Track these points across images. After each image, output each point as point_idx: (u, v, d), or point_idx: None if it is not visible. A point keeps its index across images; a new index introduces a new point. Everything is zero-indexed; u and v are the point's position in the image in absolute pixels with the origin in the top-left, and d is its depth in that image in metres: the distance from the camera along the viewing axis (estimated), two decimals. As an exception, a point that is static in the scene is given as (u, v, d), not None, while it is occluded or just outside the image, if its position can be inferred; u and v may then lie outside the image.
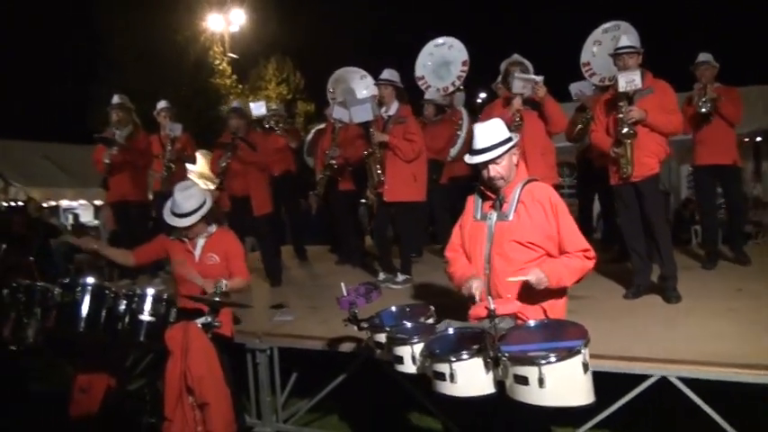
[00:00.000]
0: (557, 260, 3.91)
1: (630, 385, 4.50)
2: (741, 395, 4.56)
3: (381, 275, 7.51)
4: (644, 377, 4.44)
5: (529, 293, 3.90)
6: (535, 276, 3.75)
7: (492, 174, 4.00)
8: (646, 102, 5.96)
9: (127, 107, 8.76)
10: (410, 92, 8.76)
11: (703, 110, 7.21)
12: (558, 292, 4.03)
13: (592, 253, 3.91)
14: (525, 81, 6.51)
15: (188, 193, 5.16)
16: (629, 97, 5.95)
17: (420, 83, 9.47)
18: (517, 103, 6.54)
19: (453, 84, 9.30)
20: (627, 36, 6.37)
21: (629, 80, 5.88)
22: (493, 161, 3.97)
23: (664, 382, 4.40)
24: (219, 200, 8.10)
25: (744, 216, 7.91)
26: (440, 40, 9.54)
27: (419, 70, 9.57)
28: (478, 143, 4.01)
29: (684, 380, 4.36)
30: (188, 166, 9.75)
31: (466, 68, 9.18)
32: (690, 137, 7.59)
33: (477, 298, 3.91)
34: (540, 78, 6.58)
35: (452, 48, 9.35)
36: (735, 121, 7.38)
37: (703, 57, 7.47)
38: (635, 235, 6.25)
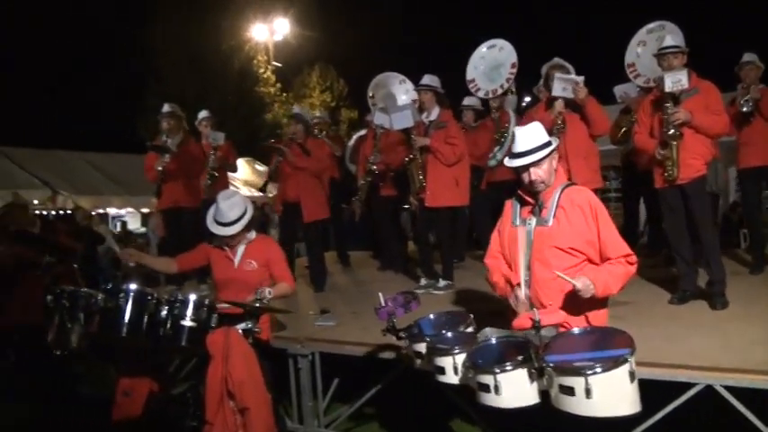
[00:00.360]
0: (601, 268, 3.84)
1: (674, 394, 4.38)
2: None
3: (423, 281, 7.48)
4: (688, 386, 4.33)
5: (572, 302, 3.85)
6: (582, 283, 3.68)
7: (533, 177, 3.95)
8: (691, 102, 5.83)
9: (177, 115, 8.84)
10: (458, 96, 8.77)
11: (744, 109, 7.09)
12: (601, 301, 3.97)
13: (634, 258, 3.84)
14: (565, 82, 6.42)
15: (232, 201, 5.22)
16: (676, 98, 5.81)
17: (470, 86, 9.39)
18: (559, 105, 6.46)
19: (502, 86, 9.22)
20: (671, 36, 6.24)
21: (676, 80, 5.74)
22: (534, 164, 3.93)
23: (709, 391, 4.28)
24: (266, 205, 8.19)
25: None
26: (490, 43, 9.47)
27: (470, 73, 9.48)
28: (519, 146, 3.97)
29: (731, 389, 4.23)
30: (230, 174, 9.84)
31: (514, 71, 9.09)
32: (740, 109, 7.35)
33: (522, 310, 3.89)
34: (580, 79, 6.48)
35: (503, 50, 9.27)
36: None
37: (748, 57, 7.37)
38: (680, 239, 6.11)
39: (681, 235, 6.10)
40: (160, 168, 8.45)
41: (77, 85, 30.13)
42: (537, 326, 3.42)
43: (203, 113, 9.52)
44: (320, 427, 5.88)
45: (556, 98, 6.48)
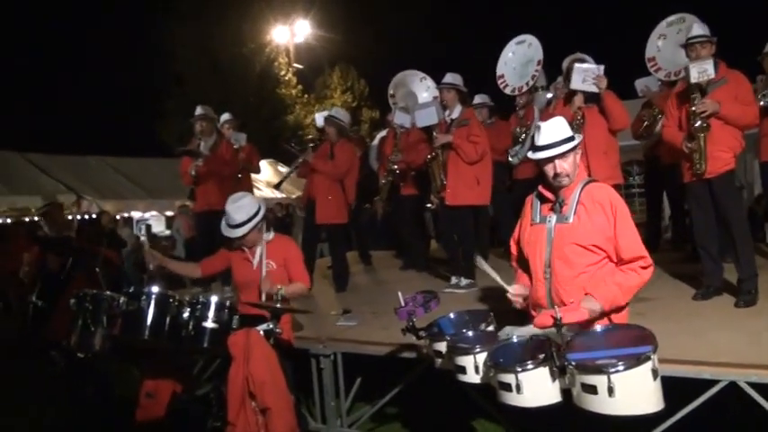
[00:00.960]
0: (611, 280, 3.78)
1: (698, 391, 4.33)
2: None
3: (453, 280, 7.46)
4: (712, 382, 4.27)
5: None
6: (587, 308, 3.68)
7: (558, 170, 3.89)
8: (719, 93, 5.69)
9: (210, 117, 8.85)
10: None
11: (761, 103, 6.95)
12: None
13: (648, 261, 3.77)
14: (585, 72, 6.31)
15: (238, 204, 5.28)
16: (702, 89, 5.68)
17: (499, 81, 9.35)
18: (578, 100, 6.40)
19: (527, 83, 9.18)
20: (698, 25, 6.06)
21: (702, 70, 5.61)
22: (559, 156, 3.88)
23: (733, 387, 4.22)
24: (291, 205, 8.24)
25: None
26: (519, 38, 9.41)
27: (500, 68, 9.43)
28: (543, 139, 3.93)
29: (755, 385, 4.18)
30: (253, 175, 9.88)
31: (539, 68, 9.05)
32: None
33: (516, 305, 3.98)
34: (600, 67, 6.40)
35: (531, 46, 9.21)
36: None
37: None
38: (707, 234, 5.99)
39: (708, 230, 5.98)
40: (193, 172, 8.46)
41: (100, 91, 30.41)
42: (558, 323, 3.39)
43: (225, 116, 9.57)
44: (343, 426, 5.88)
45: (575, 92, 6.41)
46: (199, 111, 8.84)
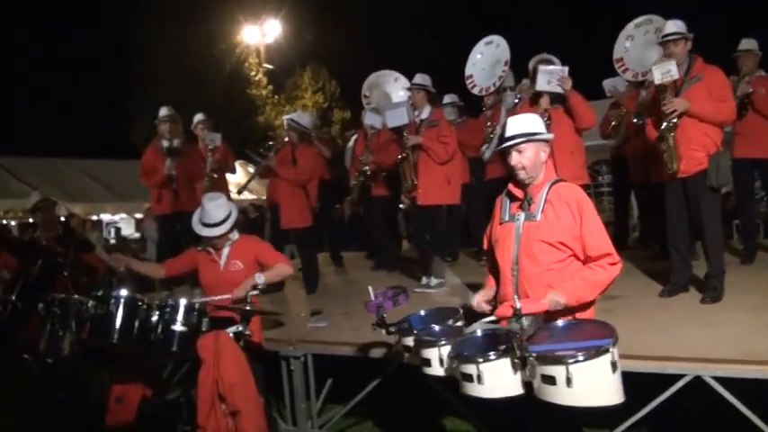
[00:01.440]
0: (578, 275, 3.80)
1: (664, 385, 4.41)
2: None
3: (424, 280, 7.49)
4: (678, 377, 4.35)
5: None
6: (550, 300, 3.69)
7: (513, 162, 3.91)
8: (694, 90, 5.74)
9: (176, 118, 8.85)
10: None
11: None
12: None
13: (615, 258, 3.78)
14: (549, 74, 6.36)
15: (217, 203, 5.28)
16: (665, 88, 5.74)
17: (467, 81, 9.38)
18: (544, 101, 6.43)
19: (494, 84, 9.23)
20: (672, 22, 6.01)
21: (665, 71, 5.67)
22: (516, 147, 3.90)
23: (698, 382, 4.30)
24: (263, 207, 8.23)
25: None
26: (487, 39, 9.46)
27: (469, 69, 9.46)
28: (507, 131, 3.96)
29: (720, 379, 4.25)
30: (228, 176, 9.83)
31: (506, 68, 9.10)
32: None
33: (477, 309, 3.99)
34: (564, 69, 6.46)
35: (499, 46, 9.26)
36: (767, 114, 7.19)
37: (745, 44, 7.32)
38: (679, 233, 6.05)
39: (680, 229, 6.03)
40: (174, 172, 8.43)
41: (68, 92, 30.07)
42: (517, 314, 3.43)
43: (199, 116, 9.49)
44: (314, 428, 5.89)
45: (541, 93, 6.45)
46: (164, 112, 8.85)
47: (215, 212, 5.21)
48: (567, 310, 3.79)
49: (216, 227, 5.20)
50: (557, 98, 6.45)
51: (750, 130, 7.28)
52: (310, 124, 8.95)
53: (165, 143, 8.61)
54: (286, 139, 8.35)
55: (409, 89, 7.89)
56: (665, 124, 5.77)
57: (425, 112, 7.59)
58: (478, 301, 4.08)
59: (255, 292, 5.07)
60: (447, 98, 9.27)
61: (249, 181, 9.31)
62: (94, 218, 17.92)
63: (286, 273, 5.48)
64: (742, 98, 7.10)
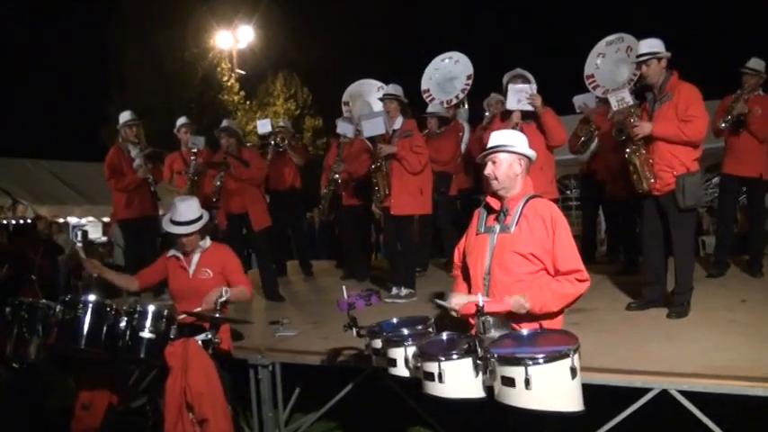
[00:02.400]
0: (545, 285, 3.88)
1: (631, 398, 4.46)
2: (742, 408, 4.53)
3: (394, 290, 7.50)
4: (644, 390, 4.40)
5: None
6: (515, 301, 3.77)
7: (487, 171, 4.06)
8: (663, 110, 5.85)
9: (139, 122, 8.82)
10: (414, 106, 8.82)
11: (722, 125, 7.20)
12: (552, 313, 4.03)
13: (584, 275, 3.87)
14: (519, 93, 6.47)
15: (189, 203, 5.29)
16: (629, 112, 5.94)
17: (425, 95, 9.50)
18: (516, 116, 6.52)
19: (457, 97, 9.32)
20: (645, 42, 6.03)
21: (619, 98, 5.94)
22: (490, 158, 4.04)
23: (664, 395, 4.36)
24: (217, 218, 8.18)
25: (762, 228, 7.95)
26: (448, 55, 9.56)
27: (425, 83, 9.61)
28: (489, 143, 4.10)
29: (685, 393, 4.32)
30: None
31: (470, 82, 9.20)
32: (709, 146, 7.34)
33: (455, 314, 3.99)
34: (533, 86, 6.54)
35: (458, 62, 9.39)
36: (761, 136, 7.26)
37: (753, 63, 7.38)
38: (653, 249, 6.14)
39: (654, 245, 6.11)
40: (150, 176, 8.48)
41: (37, 93, 29.74)
42: (480, 311, 3.46)
43: (182, 120, 9.45)
44: (281, 437, 5.87)
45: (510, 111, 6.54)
46: (127, 116, 8.79)
47: (186, 212, 5.20)
48: (534, 319, 3.86)
49: (185, 225, 5.19)
50: (529, 114, 6.53)
51: (741, 148, 7.35)
52: (239, 129, 8.99)
53: (135, 148, 8.57)
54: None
55: (381, 99, 7.91)
56: (629, 148, 5.93)
57: (398, 122, 7.62)
58: (457, 303, 4.07)
59: (222, 300, 5.02)
60: (431, 108, 9.32)
61: (218, 190, 9.25)
62: (61, 220, 17.67)
63: (245, 298, 5.47)
64: (738, 116, 7.20)
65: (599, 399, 3.31)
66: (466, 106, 9.67)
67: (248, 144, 8.39)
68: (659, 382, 4.37)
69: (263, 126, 9.22)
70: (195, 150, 8.79)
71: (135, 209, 8.63)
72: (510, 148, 4.02)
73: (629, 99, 5.86)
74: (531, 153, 4.13)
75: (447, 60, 9.52)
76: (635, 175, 5.96)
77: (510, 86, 6.57)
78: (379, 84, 9.87)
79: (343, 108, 9.97)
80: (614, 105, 5.94)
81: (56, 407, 5.89)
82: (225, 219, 8.40)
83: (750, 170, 7.37)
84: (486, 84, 9.20)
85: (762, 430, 4.88)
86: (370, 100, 9.79)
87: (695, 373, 4.36)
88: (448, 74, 9.39)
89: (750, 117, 7.20)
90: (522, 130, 6.34)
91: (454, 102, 9.22)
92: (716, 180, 10.43)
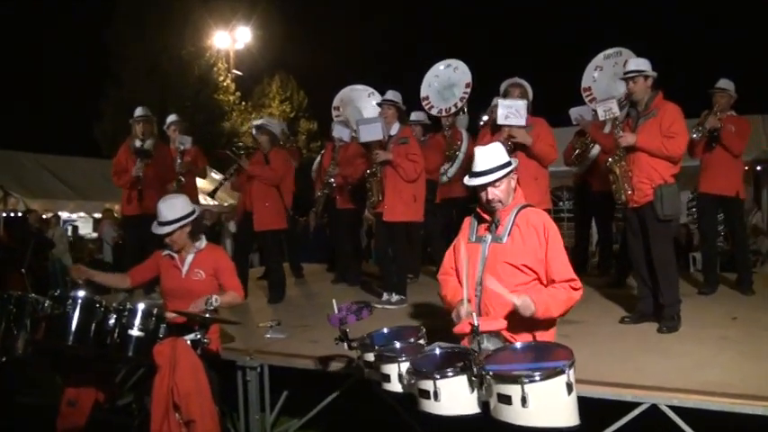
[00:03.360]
0: (543, 290, 3.89)
1: (621, 412, 4.45)
2: (732, 425, 4.52)
3: (385, 296, 7.50)
4: (634, 404, 4.40)
5: (520, 319, 3.89)
6: (522, 300, 3.75)
7: (490, 197, 4.04)
8: (646, 125, 5.94)
9: (150, 118, 8.69)
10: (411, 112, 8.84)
11: (693, 135, 7.22)
12: (548, 322, 4.02)
13: (578, 284, 3.89)
14: (508, 109, 6.45)
15: (171, 202, 5.20)
16: (616, 122, 6.09)
17: (424, 103, 9.50)
18: (506, 131, 6.53)
19: (456, 105, 9.33)
20: (633, 60, 6.29)
21: (607, 108, 6.08)
22: (491, 184, 4.01)
23: (654, 410, 4.35)
24: (223, 214, 8.15)
25: (746, 246, 7.97)
26: (446, 62, 9.57)
27: (424, 90, 9.60)
28: (478, 166, 4.05)
29: (675, 408, 4.31)
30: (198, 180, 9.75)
31: (469, 90, 9.21)
32: (691, 163, 7.45)
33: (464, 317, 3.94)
34: (524, 102, 6.54)
35: (457, 70, 9.39)
36: (735, 152, 7.35)
37: (722, 83, 7.47)
38: (640, 261, 6.18)
39: (641, 257, 6.16)
40: (140, 174, 8.26)
41: (33, 87, 29.69)
42: (475, 331, 3.44)
43: (172, 117, 9.44)
44: (267, 440, 5.84)
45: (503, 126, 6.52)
46: (140, 111, 8.66)
47: (166, 212, 5.12)
48: (528, 329, 3.84)
49: (165, 225, 5.11)
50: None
51: (714, 165, 7.41)
52: (279, 129, 8.95)
53: (137, 143, 8.49)
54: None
55: (380, 105, 7.90)
56: (610, 158, 6.03)
57: (394, 128, 7.61)
58: (467, 312, 4.03)
59: (211, 308, 5.00)
60: (414, 115, 9.31)
61: (222, 183, 9.24)
62: (51, 215, 17.57)
63: (236, 302, 5.41)
64: (711, 131, 7.25)
65: (587, 412, 3.29)
66: (465, 115, 9.66)
67: (239, 145, 8.34)
68: (650, 396, 4.36)
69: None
70: (182, 149, 8.76)
71: (135, 206, 8.50)
72: (505, 171, 4.01)
73: (616, 110, 6.03)
74: (515, 162, 4.15)
75: (445, 68, 9.51)
76: (614, 185, 6.08)
77: (500, 101, 6.55)
78: (369, 89, 9.87)
79: (333, 113, 9.97)
80: (601, 115, 6.11)
81: (42, 403, 5.84)
82: (242, 213, 8.43)
83: (727, 189, 7.44)
84: (484, 93, 9.20)
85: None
86: (360, 105, 9.78)
87: (686, 388, 4.35)
88: (447, 81, 9.39)
89: (723, 132, 7.28)
90: (513, 143, 6.42)
91: (453, 110, 9.22)
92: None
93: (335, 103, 10.00)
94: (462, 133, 9.32)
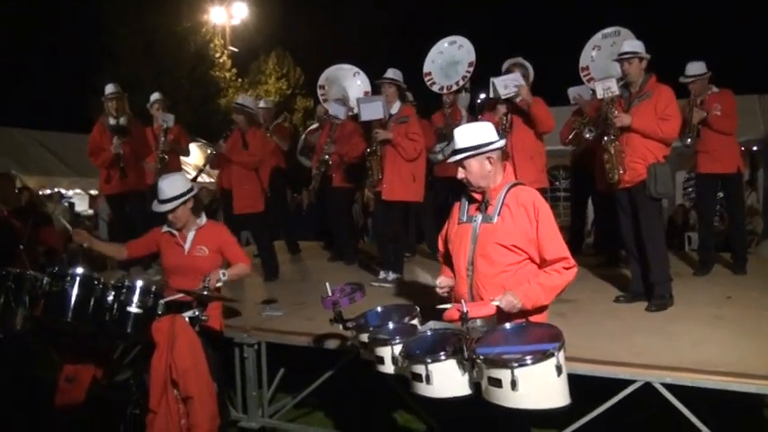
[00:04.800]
0: (534, 280, 3.86)
1: (615, 390, 4.51)
2: (723, 402, 4.59)
3: (381, 274, 7.53)
4: (628, 382, 4.45)
5: None
6: (506, 302, 3.74)
7: (459, 175, 4.05)
8: (641, 107, 5.98)
9: (122, 95, 8.71)
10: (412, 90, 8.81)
11: (688, 141, 7.39)
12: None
13: (570, 262, 3.86)
14: (504, 81, 6.49)
15: (170, 179, 5.23)
16: (612, 102, 6.03)
17: (426, 78, 9.42)
18: (502, 108, 6.54)
19: (457, 83, 9.28)
20: (628, 42, 6.33)
21: (606, 87, 5.99)
22: (460, 163, 4.00)
23: (648, 387, 4.41)
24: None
25: (743, 225, 8.02)
26: (451, 39, 9.49)
27: (427, 66, 9.50)
28: (455, 143, 4.05)
29: (668, 386, 4.37)
30: (184, 159, 9.75)
31: (471, 69, 9.13)
32: (684, 143, 7.48)
33: (439, 291, 4.12)
34: (517, 75, 6.57)
35: (462, 48, 9.30)
36: (728, 131, 7.37)
37: (690, 69, 7.43)
38: (630, 240, 6.24)
39: (631, 236, 6.21)
40: (119, 151, 8.30)
41: (28, 62, 29.49)
42: (464, 317, 3.47)
43: (155, 96, 9.46)
44: (264, 416, 5.88)
45: (497, 100, 6.53)
46: (110, 89, 8.69)
47: (167, 189, 5.14)
48: (520, 312, 3.86)
49: (166, 203, 5.12)
50: (516, 108, 6.56)
51: (714, 147, 7.42)
52: (255, 106, 8.97)
53: (112, 121, 8.51)
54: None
55: (380, 83, 7.87)
56: (606, 137, 6.05)
57: (395, 107, 7.61)
58: (442, 286, 4.13)
59: (219, 284, 5.06)
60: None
61: (201, 170, 9.29)
62: (48, 191, 17.51)
63: (245, 273, 5.45)
64: (698, 124, 7.29)
65: (581, 389, 3.33)
66: (467, 93, 9.60)
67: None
68: (643, 374, 4.42)
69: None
70: (165, 127, 8.76)
71: (114, 184, 8.58)
72: (477, 151, 3.95)
73: (616, 89, 5.95)
74: (500, 143, 4.06)
75: (450, 45, 9.44)
76: (608, 164, 6.09)
77: (492, 79, 6.58)
78: (355, 69, 9.81)
79: (318, 92, 9.92)
80: (600, 93, 6.05)
81: (41, 378, 5.87)
82: (221, 192, 8.48)
83: (727, 167, 7.48)
84: (482, 72, 9.15)
85: (743, 425, 4.95)
86: (345, 84, 9.75)
87: (680, 366, 4.41)
88: (451, 58, 9.30)
89: (710, 119, 7.30)
90: (511, 121, 6.44)
91: (455, 88, 9.17)
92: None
93: (321, 81, 9.94)
94: (462, 112, 9.28)
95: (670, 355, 4.62)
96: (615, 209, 6.34)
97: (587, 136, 6.92)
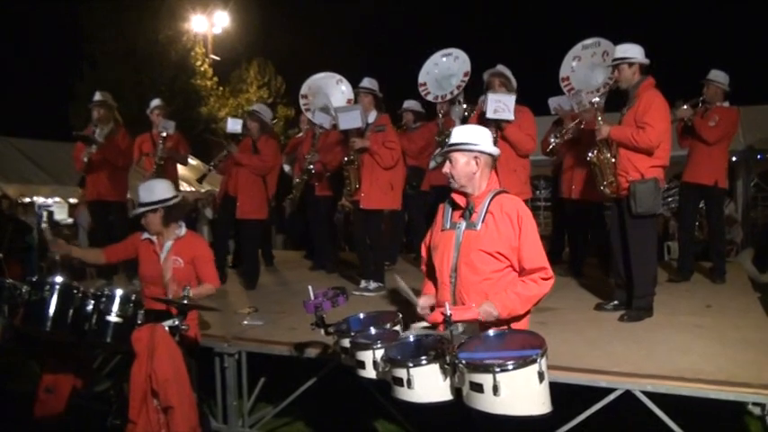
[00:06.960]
0: (511, 289, 3.86)
1: (595, 398, 4.52)
2: (703, 410, 4.61)
3: (362, 283, 7.53)
4: (609, 390, 4.47)
5: None
6: (483, 311, 3.76)
7: (444, 169, 4.07)
8: (628, 115, 5.96)
9: (109, 104, 8.67)
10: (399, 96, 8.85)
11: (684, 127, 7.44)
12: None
13: (548, 273, 3.87)
14: (497, 103, 6.47)
15: (149, 185, 5.27)
16: (586, 113, 6.28)
17: (421, 89, 9.43)
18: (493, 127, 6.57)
19: (452, 93, 9.29)
20: (620, 47, 6.20)
21: (578, 101, 6.24)
22: (448, 155, 4.04)
23: (628, 395, 4.42)
24: (199, 200, 8.14)
25: (723, 236, 8.11)
26: (446, 52, 9.51)
27: (422, 77, 9.49)
28: (450, 140, 4.10)
29: (649, 394, 4.39)
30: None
31: (466, 78, 9.14)
32: (674, 153, 7.48)
33: (423, 316, 4.04)
34: (512, 97, 6.58)
35: (458, 59, 9.30)
36: (706, 138, 7.46)
37: (711, 75, 7.61)
38: (616, 251, 6.23)
39: (618, 248, 6.20)
40: (86, 159, 8.31)
41: (7, 69, 29.30)
42: (447, 320, 3.46)
43: (156, 102, 9.36)
44: (244, 426, 5.84)
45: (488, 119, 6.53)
46: (97, 96, 8.68)
47: (143, 194, 5.19)
48: (501, 320, 3.86)
49: (139, 207, 5.18)
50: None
51: (696, 155, 7.57)
52: (270, 115, 8.99)
53: (98, 130, 8.52)
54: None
55: (357, 92, 7.89)
56: (590, 151, 6.07)
57: (371, 116, 7.62)
58: (424, 308, 4.11)
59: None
60: (406, 104, 9.36)
61: (210, 170, 9.22)
62: (27, 200, 17.40)
63: (210, 293, 5.41)
64: (682, 120, 7.36)
65: (562, 397, 3.33)
66: (461, 105, 9.60)
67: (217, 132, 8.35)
68: (623, 382, 4.43)
69: (234, 125, 9.01)
70: (164, 134, 8.73)
71: (90, 191, 8.64)
72: (464, 147, 4.00)
73: (585, 102, 6.13)
74: (492, 150, 4.08)
75: (446, 58, 9.46)
76: (597, 178, 6.12)
77: (490, 95, 6.57)
78: (337, 76, 9.80)
79: (301, 101, 9.90)
80: (575, 108, 6.28)
81: (19, 390, 5.81)
82: (221, 198, 8.53)
83: (706, 178, 7.55)
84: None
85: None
86: (329, 92, 9.74)
87: (659, 374, 4.42)
88: (446, 71, 9.30)
89: (695, 120, 7.42)
90: (496, 134, 6.44)
91: (448, 97, 9.19)
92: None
93: (303, 91, 9.88)
94: (456, 123, 9.28)
95: (650, 364, 4.64)
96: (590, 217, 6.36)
97: (552, 141, 7.00)
